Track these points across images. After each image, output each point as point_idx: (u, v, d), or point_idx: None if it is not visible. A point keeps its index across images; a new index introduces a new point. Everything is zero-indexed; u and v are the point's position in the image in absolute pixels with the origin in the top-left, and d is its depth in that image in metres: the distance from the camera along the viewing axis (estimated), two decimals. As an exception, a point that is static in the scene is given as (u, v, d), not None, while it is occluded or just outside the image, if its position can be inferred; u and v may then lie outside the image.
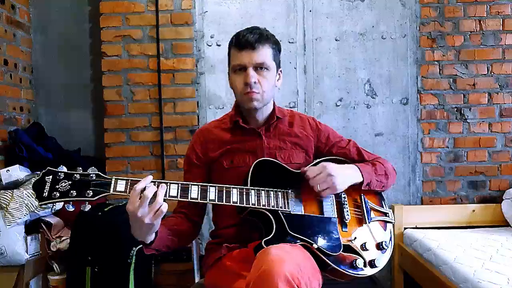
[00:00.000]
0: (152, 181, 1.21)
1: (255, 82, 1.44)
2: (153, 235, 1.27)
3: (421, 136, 2.78)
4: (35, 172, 2.47)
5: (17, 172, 2.39)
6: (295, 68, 2.76)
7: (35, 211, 2.26)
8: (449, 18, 2.75)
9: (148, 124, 2.75)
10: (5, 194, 2.22)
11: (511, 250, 2.15)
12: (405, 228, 2.65)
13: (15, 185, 2.33)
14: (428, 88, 2.77)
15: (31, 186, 2.26)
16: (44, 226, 2.35)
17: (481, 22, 2.75)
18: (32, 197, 2.21)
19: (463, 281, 1.87)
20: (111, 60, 2.74)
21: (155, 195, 1.18)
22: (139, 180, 1.20)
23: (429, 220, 2.67)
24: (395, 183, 2.69)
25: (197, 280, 1.77)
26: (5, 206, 2.18)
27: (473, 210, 2.69)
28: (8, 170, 2.38)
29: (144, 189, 1.17)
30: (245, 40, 1.43)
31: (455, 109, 2.78)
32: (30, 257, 2.26)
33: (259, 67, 1.45)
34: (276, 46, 1.51)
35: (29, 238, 2.26)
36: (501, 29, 2.75)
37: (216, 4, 2.75)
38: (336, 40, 2.77)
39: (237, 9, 2.75)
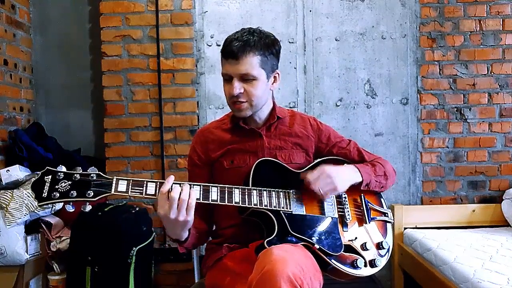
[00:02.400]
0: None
1: (241, 93, 1.42)
2: (187, 232, 1.30)
3: (421, 136, 2.78)
4: (35, 172, 2.47)
5: (17, 172, 2.39)
6: (295, 68, 2.76)
7: (35, 211, 2.26)
8: (449, 18, 2.75)
9: (148, 124, 2.75)
10: (5, 194, 2.22)
11: (511, 250, 2.16)
12: (405, 228, 2.65)
13: (15, 185, 2.33)
14: (428, 88, 2.77)
15: (30, 186, 2.27)
16: (44, 226, 2.35)
17: (481, 22, 2.75)
18: (32, 197, 2.21)
19: (463, 281, 1.87)
20: (111, 60, 2.74)
21: (180, 193, 1.20)
22: (141, 181, 1.20)
23: (429, 220, 2.67)
24: (395, 183, 2.71)
25: (197, 280, 1.77)
26: (5, 206, 2.18)
27: (473, 210, 2.69)
28: (8, 170, 2.38)
29: (170, 190, 1.19)
30: (230, 50, 1.39)
31: (455, 109, 2.78)
32: (30, 257, 2.26)
33: (245, 78, 1.42)
34: (266, 51, 1.42)
35: (29, 238, 2.26)
36: (501, 29, 2.75)
37: (216, 4, 2.75)
38: (336, 40, 2.77)
39: (237, 9, 2.75)
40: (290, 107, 2.71)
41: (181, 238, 1.30)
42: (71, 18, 2.94)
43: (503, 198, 2.70)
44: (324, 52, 2.76)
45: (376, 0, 2.75)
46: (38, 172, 1.25)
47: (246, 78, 1.41)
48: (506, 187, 2.75)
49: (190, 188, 1.24)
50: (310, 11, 2.76)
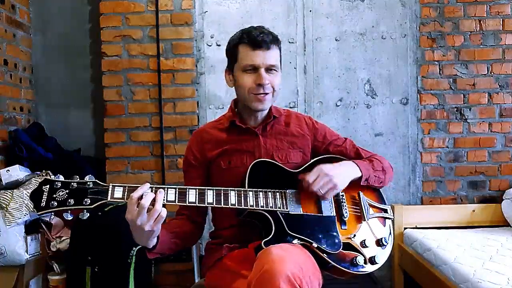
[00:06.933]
0: (150, 187, 1.20)
1: (267, 83, 1.44)
2: (155, 240, 1.27)
3: (421, 136, 2.78)
4: (35, 172, 2.47)
5: (17, 172, 2.39)
6: (295, 68, 2.76)
7: (35, 211, 2.26)
8: (449, 18, 2.75)
9: (148, 124, 2.75)
10: (5, 194, 2.22)
11: (511, 250, 2.15)
12: (405, 228, 2.65)
13: (15, 185, 2.33)
14: (428, 88, 2.77)
15: (31, 186, 2.27)
16: (44, 226, 2.35)
17: (481, 22, 2.75)
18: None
19: (463, 281, 1.87)
20: (111, 60, 2.74)
21: (153, 201, 1.17)
22: (136, 187, 1.20)
23: (429, 220, 2.67)
24: (395, 183, 2.72)
25: (197, 280, 1.77)
26: (5, 206, 2.18)
27: (473, 210, 2.69)
28: (8, 170, 2.38)
29: (142, 197, 1.17)
30: (261, 40, 1.42)
31: (455, 109, 2.78)
32: (30, 257, 2.26)
33: (270, 69, 1.45)
34: (281, 47, 1.52)
35: (29, 238, 2.26)
36: (501, 29, 2.75)
37: (216, 4, 2.75)
38: (336, 40, 2.77)
39: (237, 9, 2.75)
40: (290, 107, 2.71)
41: (147, 245, 1.27)
42: (71, 18, 2.94)
43: (503, 198, 2.69)
44: (324, 52, 2.76)
45: (376, 0, 2.75)
46: (38, 172, 1.27)
47: (271, 70, 1.46)
48: (506, 187, 2.75)
49: (165, 195, 1.21)
50: (310, 11, 2.76)
